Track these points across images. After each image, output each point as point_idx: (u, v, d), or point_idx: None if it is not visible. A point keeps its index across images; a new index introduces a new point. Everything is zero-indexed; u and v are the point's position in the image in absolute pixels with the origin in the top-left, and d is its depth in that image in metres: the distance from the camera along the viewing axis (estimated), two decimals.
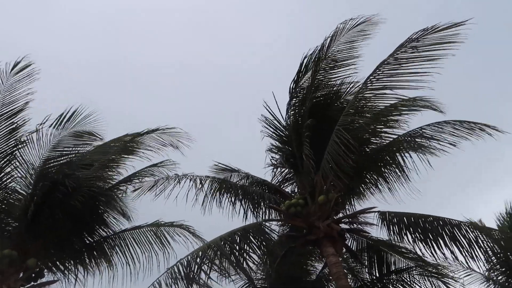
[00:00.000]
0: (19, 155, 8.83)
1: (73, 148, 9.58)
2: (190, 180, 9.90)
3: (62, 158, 9.25)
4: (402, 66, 7.48)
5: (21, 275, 8.28)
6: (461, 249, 7.95)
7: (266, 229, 8.94)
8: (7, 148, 8.70)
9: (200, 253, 8.04)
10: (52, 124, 9.31)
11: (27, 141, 8.87)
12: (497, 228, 11.86)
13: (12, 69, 8.69)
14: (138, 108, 28.73)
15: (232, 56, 35.07)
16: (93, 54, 31.15)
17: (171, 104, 31.28)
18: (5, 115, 8.68)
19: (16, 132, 8.75)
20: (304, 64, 8.86)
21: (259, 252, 8.58)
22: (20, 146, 8.76)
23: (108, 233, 9.48)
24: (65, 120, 9.59)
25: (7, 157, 8.69)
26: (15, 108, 8.75)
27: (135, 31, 33.88)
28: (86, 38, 31.63)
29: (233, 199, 9.85)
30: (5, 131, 8.69)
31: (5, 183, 8.73)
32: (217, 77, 34.88)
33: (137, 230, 9.61)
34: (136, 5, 35.28)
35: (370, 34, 8.68)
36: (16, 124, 8.73)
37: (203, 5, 35.83)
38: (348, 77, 9.03)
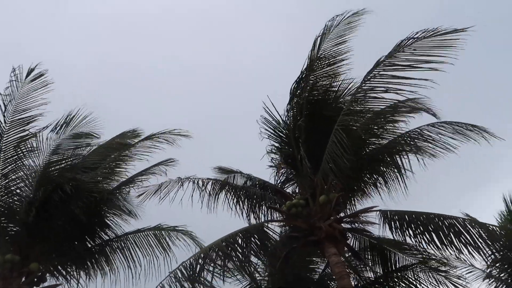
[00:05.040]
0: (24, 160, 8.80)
1: (73, 151, 9.61)
2: (193, 182, 9.95)
3: (63, 161, 9.26)
4: (399, 68, 7.53)
5: (23, 279, 8.28)
6: (462, 245, 7.97)
7: (267, 230, 8.95)
8: (16, 155, 8.66)
9: (202, 254, 8.04)
10: (52, 129, 9.38)
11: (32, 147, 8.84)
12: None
13: (27, 76, 8.56)
14: (140, 108, 28.95)
15: (235, 56, 35.25)
16: (96, 56, 31.40)
17: (174, 105, 31.52)
18: (17, 122, 8.62)
19: (26, 140, 8.69)
20: (306, 65, 8.88)
21: (261, 252, 8.57)
22: (29, 154, 8.71)
23: (110, 236, 9.50)
24: (64, 124, 9.71)
25: (15, 164, 8.65)
26: (28, 116, 8.65)
27: (139, 34, 34.12)
28: (88, 41, 31.92)
29: (234, 201, 9.88)
30: (15, 137, 8.64)
31: (7, 187, 8.72)
32: (216, 77, 35.04)
33: (139, 234, 9.59)
34: (137, 8, 35.47)
35: (359, 26, 8.60)
36: (27, 132, 8.66)
37: (205, 7, 36.03)
38: (344, 73, 9.04)
